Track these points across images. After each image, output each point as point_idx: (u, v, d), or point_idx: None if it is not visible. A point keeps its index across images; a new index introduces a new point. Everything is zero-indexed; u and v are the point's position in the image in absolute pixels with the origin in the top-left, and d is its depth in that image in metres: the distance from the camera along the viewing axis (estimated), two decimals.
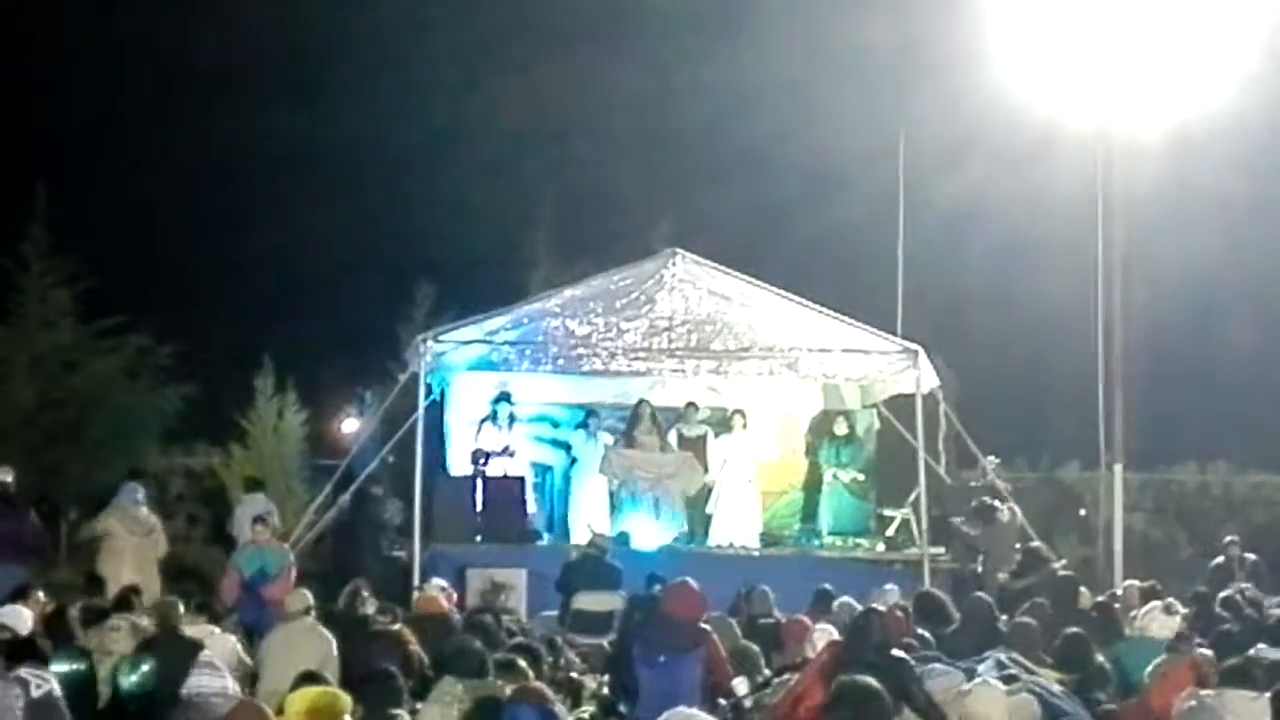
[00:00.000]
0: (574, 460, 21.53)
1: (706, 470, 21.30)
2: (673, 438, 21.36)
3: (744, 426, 21.56)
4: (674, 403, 21.79)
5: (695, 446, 21.35)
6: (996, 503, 19.55)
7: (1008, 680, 9.75)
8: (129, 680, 10.06)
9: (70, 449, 23.39)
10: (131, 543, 18.54)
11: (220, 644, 11.92)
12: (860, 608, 11.86)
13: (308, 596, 13.02)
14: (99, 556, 18.52)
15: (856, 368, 20.69)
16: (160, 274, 35.40)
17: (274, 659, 11.97)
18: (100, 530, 18.72)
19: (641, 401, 21.32)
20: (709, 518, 21.33)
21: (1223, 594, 15.47)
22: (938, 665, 10.28)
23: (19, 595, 13.63)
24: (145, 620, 12.65)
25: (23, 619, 11.92)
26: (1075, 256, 24.87)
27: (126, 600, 13.79)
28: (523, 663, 10.32)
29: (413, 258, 33.62)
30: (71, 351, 24.43)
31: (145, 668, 10.08)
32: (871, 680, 8.23)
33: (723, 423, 21.69)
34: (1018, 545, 18.93)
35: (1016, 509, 19.72)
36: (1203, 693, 9.34)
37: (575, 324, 20.07)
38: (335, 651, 12.03)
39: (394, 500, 20.47)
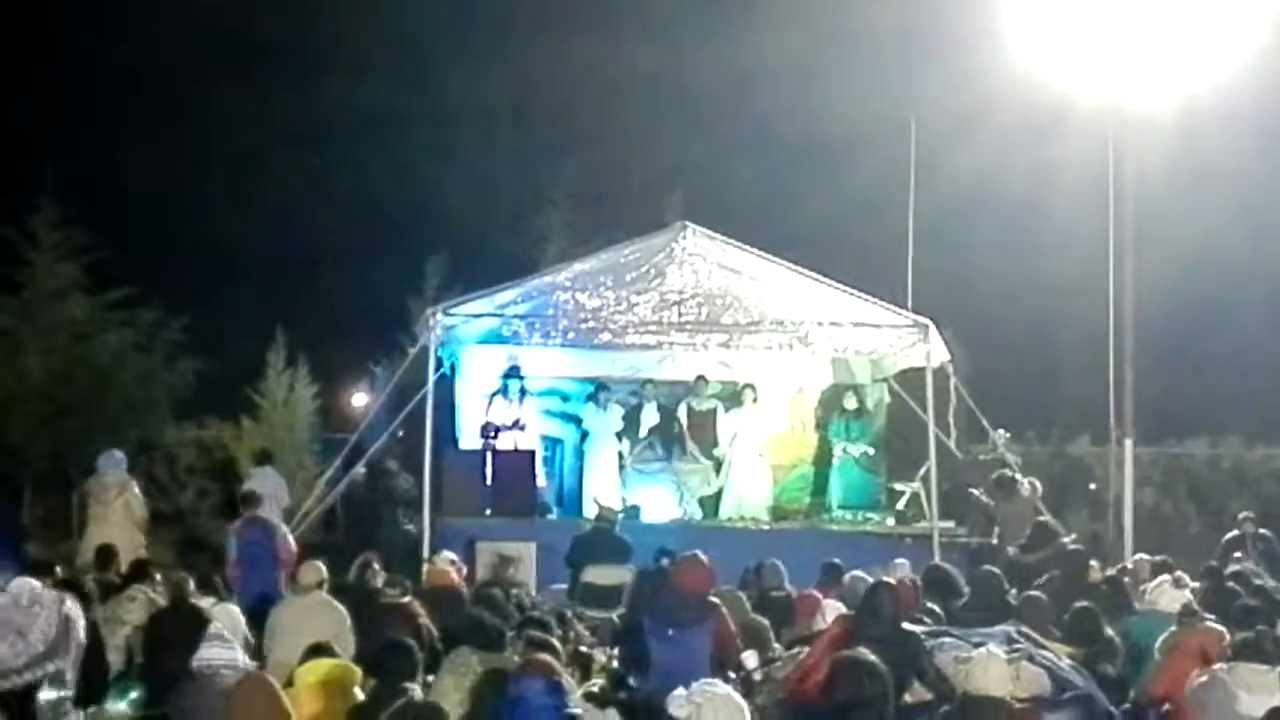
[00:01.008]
0: (585, 434, 21.55)
1: (716, 444, 21.34)
2: (682, 412, 21.38)
3: (754, 401, 21.58)
4: (684, 376, 21.81)
5: (705, 420, 21.37)
6: (1018, 476, 19.53)
7: (1016, 653, 9.73)
8: (116, 706, 10.09)
9: (82, 422, 23.41)
10: (99, 511, 18.62)
11: (225, 616, 11.93)
12: (871, 581, 11.87)
13: (321, 570, 12.96)
14: (88, 528, 18.63)
15: (867, 342, 20.66)
16: (171, 247, 35.41)
17: (285, 632, 11.96)
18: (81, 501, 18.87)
19: (674, 420, 21.40)
20: (719, 492, 21.35)
21: (1231, 569, 15.47)
22: (948, 639, 10.27)
23: (41, 570, 13.66)
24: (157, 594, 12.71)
25: None
26: (1086, 231, 24.87)
27: (142, 571, 13.81)
28: (555, 641, 10.33)
29: (424, 232, 33.66)
30: (82, 325, 24.44)
31: (134, 694, 10.12)
32: (869, 654, 8.24)
33: (733, 397, 21.71)
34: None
35: (1037, 484, 19.69)
36: (1214, 666, 9.34)
37: (585, 297, 20.02)
38: (349, 626, 12.02)
39: (407, 474, 20.52)
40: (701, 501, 21.18)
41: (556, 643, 10.31)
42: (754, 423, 21.57)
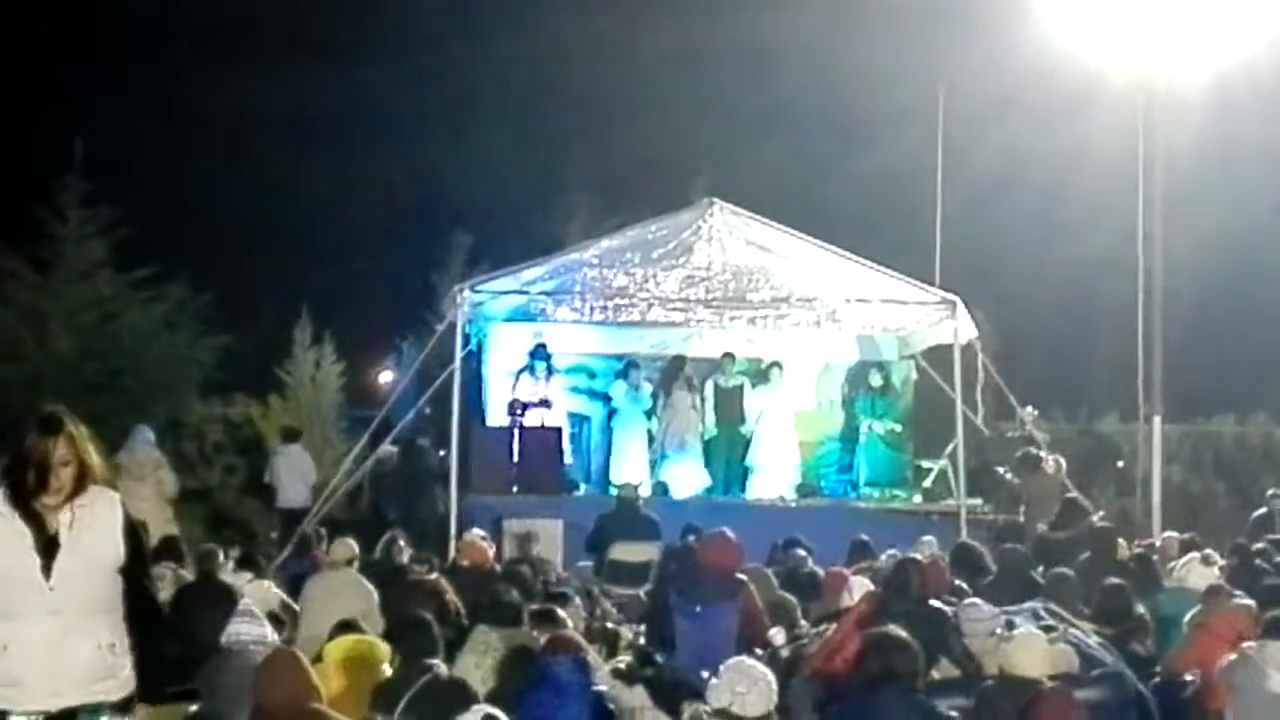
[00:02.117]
0: (613, 411, 21.54)
1: (744, 420, 21.29)
2: (709, 389, 21.33)
3: (782, 378, 21.54)
4: (711, 353, 21.76)
5: (732, 397, 21.31)
6: (1043, 453, 19.47)
7: (1045, 631, 9.72)
8: None
9: (110, 400, 23.40)
10: (131, 486, 18.68)
11: (258, 592, 11.98)
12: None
13: (353, 546, 12.99)
14: None
15: (894, 319, 20.63)
16: (198, 225, 35.51)
17: (314, 607, 12.00)
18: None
19: (675, 359, 21.36)
20: (747, 469, 21.34)
21: (1257, 545, 15.42)
22: (974, 609, 10.25)
23: None
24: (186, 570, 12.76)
25: None
26: (1115, 208, 24.78)
27: (171, 548, 13.85)
28: (562, 613, 10.34)
29: (449, 208, 33.70)
30: (110, 302, 24.45)
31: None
32: (900, 630, 8.22)
33: (760, 374, 21.66)
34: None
35: (1062, 461, 19.64)
36: (1244, 644, 9.30)
37: (612, 274, 20.01)
38: (377, 603, 12.04)
39: (436, 451, 20.56)
40: (729, 478, 21.17)
41: (564, 615, 10.32)
42: (781, 400, 21.54)
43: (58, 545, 5.82)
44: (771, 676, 7.87)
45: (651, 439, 21.25)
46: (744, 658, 8.03)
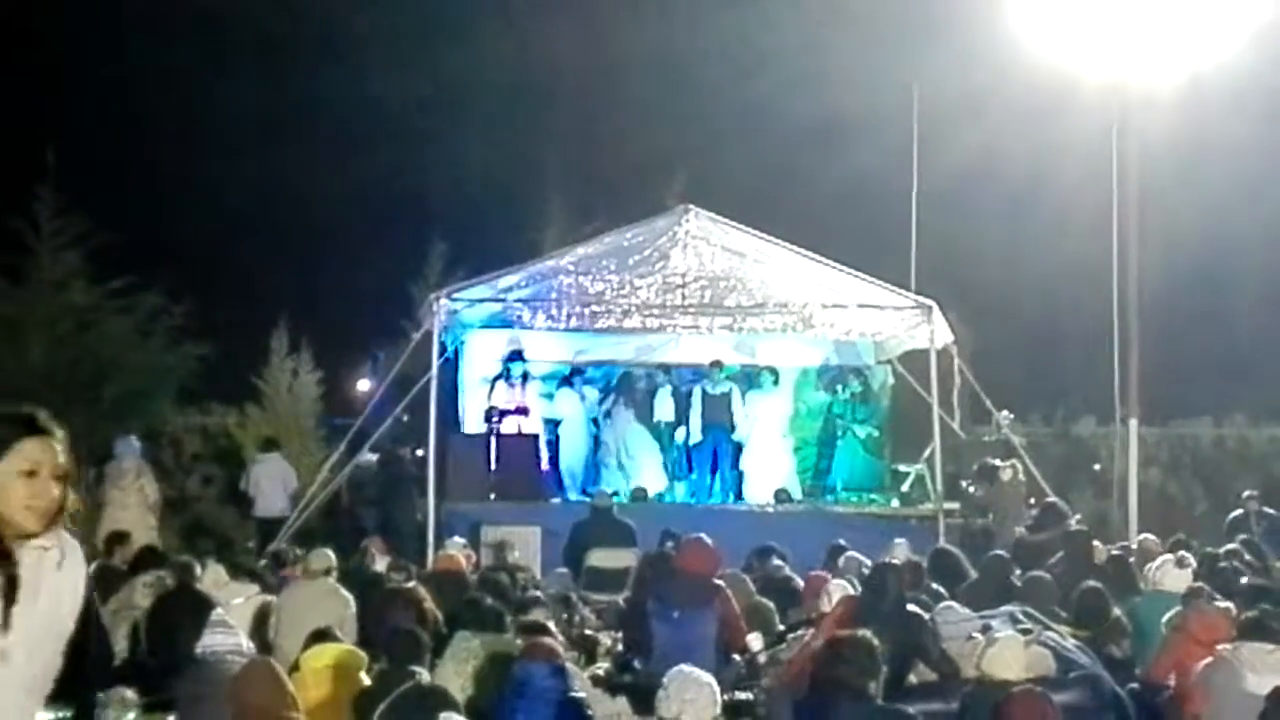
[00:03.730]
0: (559, 421, 21.62)
1: (734, 428, 21.29)
2: (696, 395, 21.34)
3: (775, 384, 21.61)
4: (688, 359, 21.80)
5: (719, 404, 21.28)
6: (998, 461, 19.49)
7: (1022, 634, 9.73)
8: (122, 692, 10.07)
9: (86, 410, 23.34)
10: (116, 495, 18.72)
11: (251, 606, 11.96)
12: (868, 562, 11.87)
13: (330, 556, 12.93)
14: (106, 511, 18.73)
15: (871, 323, 20.62)
16: (173, 234, 35.40)
17: (290, 617, 11.96)
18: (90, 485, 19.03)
19: (622, 377, 21.56)
20: (740, 474, 21.34)
21: (1225, 548, 15.45)
22: (951, 612, 10.27)
23: None
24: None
25: None
26: (1090, 210, 24.81)
27: (155, 557, 13.80)
28: (552, 625, 10.33)
29: (425, 216, 33.64)
30: (85, 312, 24.38)
31: (130, 715, 10.11)
32: (859, 635, 8.26)
33: (750, 380, 21.71)
34: (1032, 500, 18.89)
35: (1019, 465, 19.63)
36: (1220, 646, 9.32)
37: (588, 281, 19.98)
38: (353, 613, 12.01)
39: (415, 458, 20.55)
40: (718, 479, 21.22)
41: (549, 624, 10.31)
42: (772, 405, 21.61)
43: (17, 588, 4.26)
44: (713, 680, 7.91)
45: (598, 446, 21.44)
46: (683, 666, 8.04)
